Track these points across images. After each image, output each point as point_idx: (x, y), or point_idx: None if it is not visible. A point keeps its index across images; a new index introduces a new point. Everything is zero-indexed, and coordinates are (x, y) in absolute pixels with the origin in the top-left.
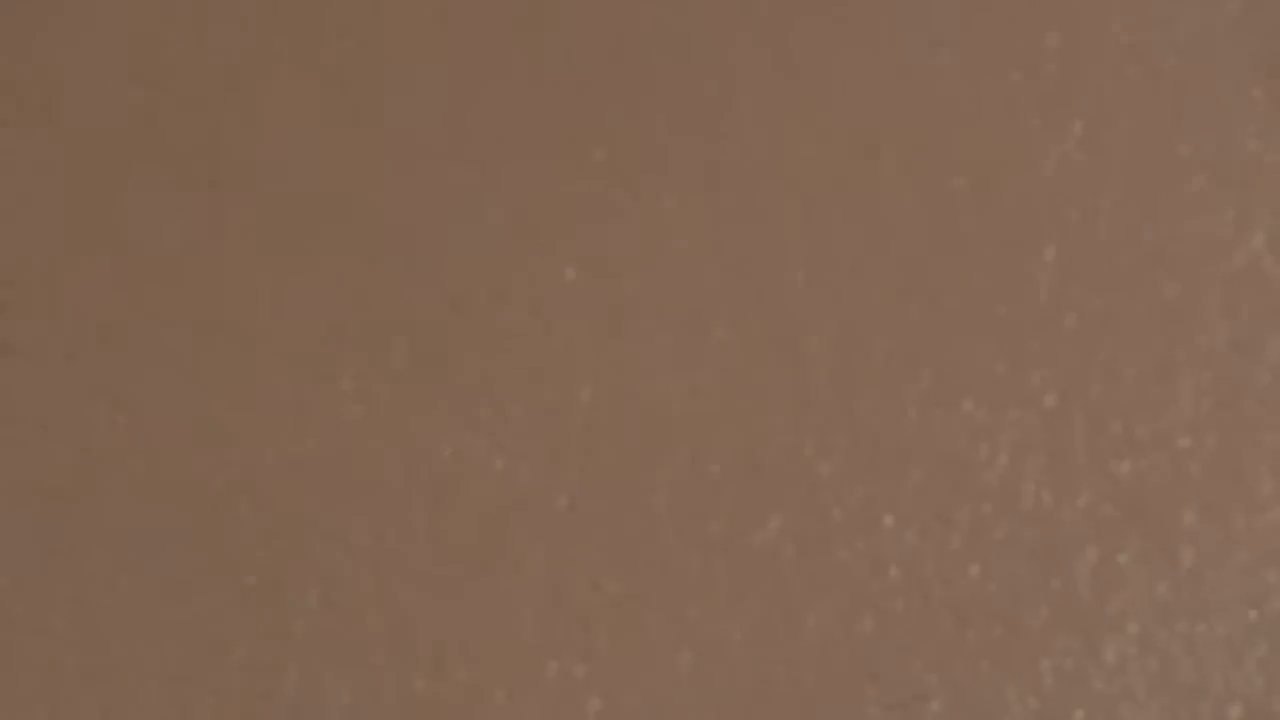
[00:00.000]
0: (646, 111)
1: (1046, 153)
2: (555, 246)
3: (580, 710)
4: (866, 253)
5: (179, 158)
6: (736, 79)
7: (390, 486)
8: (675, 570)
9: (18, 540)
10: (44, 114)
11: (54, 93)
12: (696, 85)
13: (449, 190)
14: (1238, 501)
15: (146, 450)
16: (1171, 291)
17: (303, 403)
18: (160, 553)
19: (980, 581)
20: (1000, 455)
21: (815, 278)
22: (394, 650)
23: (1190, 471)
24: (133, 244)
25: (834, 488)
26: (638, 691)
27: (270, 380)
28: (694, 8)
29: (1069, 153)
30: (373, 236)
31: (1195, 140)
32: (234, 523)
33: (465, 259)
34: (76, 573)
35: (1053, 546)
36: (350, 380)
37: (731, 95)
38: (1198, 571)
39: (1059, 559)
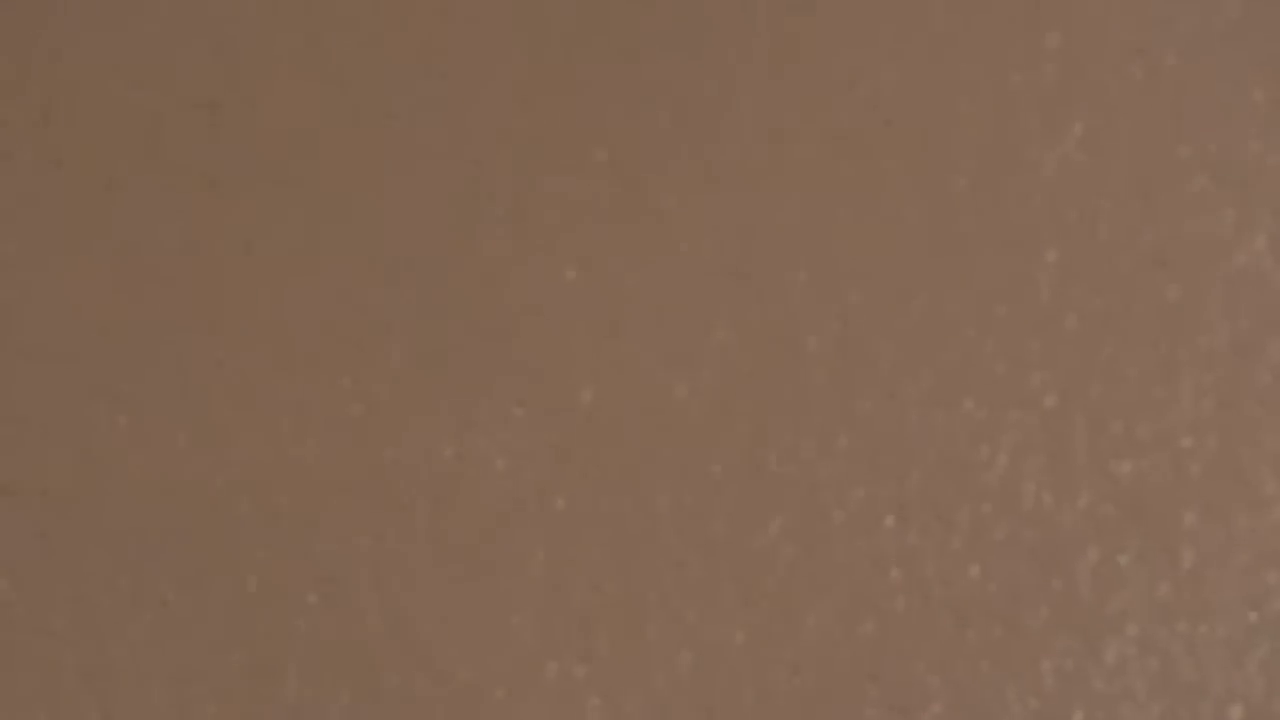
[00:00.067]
0: (646, 111)
1: (1047, 153)
2: (555, 246)
3: (580, 710)
4: (867, 253)
5: (179, 158)
6: (736, 79)
7: (390, 486)
8: (675, 570)
9: (18, 540)
10: (44, 114)
11: (54, 93)
12: (696, 85)
13: (449, 190)
14: (1238, 502)
15: (146, 450)
16: (1172, 292)
17: (303, 403)
18: (160, 553)
19: (981, 582)
20: (1001, 455)
21: (815, 278)
22: (394, 650)
23: (1191, 472)
24: (133, 244)
25: (834, 488)
26: (638, 692)
27: (270, 380)
28: (694, 8)
29: (1069, 153)
30: (373, 236)
31: (1196, 141)
32: (234, 523)
33: (465, 259)
34: (76, 573)
35: (1053, 547)
36: (350, 380)
37: (731, 95)
38: (1198, 572)
39: (1059, 559)
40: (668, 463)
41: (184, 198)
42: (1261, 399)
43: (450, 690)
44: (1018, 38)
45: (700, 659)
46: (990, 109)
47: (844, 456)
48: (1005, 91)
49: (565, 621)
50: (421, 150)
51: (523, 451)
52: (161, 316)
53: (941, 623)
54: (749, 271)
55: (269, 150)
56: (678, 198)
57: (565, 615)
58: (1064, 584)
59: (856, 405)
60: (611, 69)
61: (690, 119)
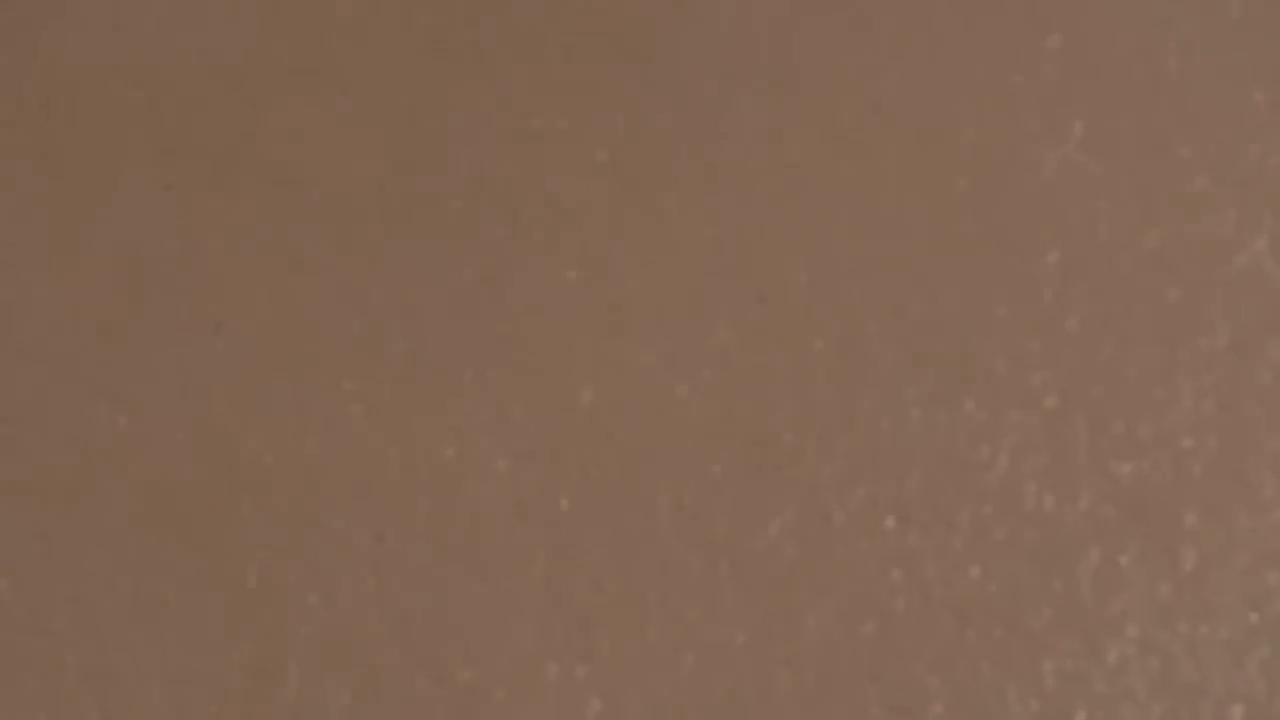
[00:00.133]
0: (647, 111)
1: (1047, 154)
2: (555, 246)
3: (580, 711)
4: (867, 253)
5: (179, 158)
6: (736, 79)
7: (390, 486)
8: (676, 570)
9: (18, 540)
10: (44, 114)
11: (54, 93)
12: (696, 85)
13: (449, 190)
14: (1239, 503)
15: (146, 450)
16: (1173, 293)
17: (303, 403)
18: (160, 553)
19: (981, 583)
20: (1001, 456)
21: (816, 277)
22: (394, 650)
23: (1192, 473)
24: (133, 244)
25: (835, 489)
26: (638, 692)
27: (270, 381)
28: (694, 8)
29: (1070, 154)
30: (373, 236)
31: (1197, 142)
32: (234, 523)
33: (465, 259)
34: (76, 573)
35: (1054, 548)
36: (350, 380)
37: (731, 95)
38: (1199, 573)
39: (1060, 560)
40: (668, 463)
41: (184, 197)
42: (1262, 399)
43: (450, 690)
44: (1018, 38)
45: (701, 659)
46: (991, 109)
47: (844, 456)
48: (1006, 92)
49: (565, 621)
50: (421, 150)
51: (523, 451)
52: (161, 316)
53: (942, 623)
54: (749, 272)
55: (269, 150)
56: (678, 198)
57: (565, 615)
58: (1065, 584)
59: (856, 405)
60: (612, 69)
61: (690, 119)
